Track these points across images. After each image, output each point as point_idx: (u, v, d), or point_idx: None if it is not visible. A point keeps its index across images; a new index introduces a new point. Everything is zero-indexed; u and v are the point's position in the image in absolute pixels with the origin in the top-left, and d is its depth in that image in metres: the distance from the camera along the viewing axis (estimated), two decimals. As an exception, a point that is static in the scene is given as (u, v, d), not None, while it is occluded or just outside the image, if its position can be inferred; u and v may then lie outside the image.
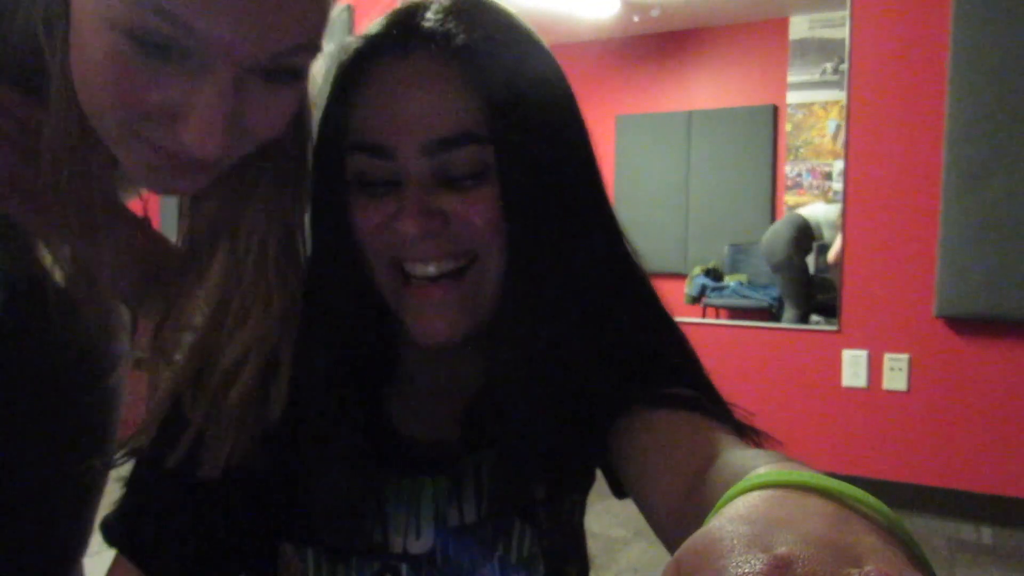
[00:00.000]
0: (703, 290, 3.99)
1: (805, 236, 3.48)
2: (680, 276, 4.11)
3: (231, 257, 0.55)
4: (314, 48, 0.50)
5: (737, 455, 0.43)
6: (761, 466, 0.35)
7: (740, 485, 0.29)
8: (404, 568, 0.59)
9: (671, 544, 0.47)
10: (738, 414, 0.56)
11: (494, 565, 0.59)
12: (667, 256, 4.30)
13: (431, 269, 0.53)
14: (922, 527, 2.89)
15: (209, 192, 0.55)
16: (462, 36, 0.51)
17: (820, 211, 3.58)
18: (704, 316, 3.93)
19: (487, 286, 0.54)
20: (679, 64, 4.35)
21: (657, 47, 4.34)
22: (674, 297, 4.36)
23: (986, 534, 2.83)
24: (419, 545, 0.59)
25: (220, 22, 0.43)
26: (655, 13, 4.03)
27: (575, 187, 0.57)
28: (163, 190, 0.53)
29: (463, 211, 0.52)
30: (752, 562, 0.22)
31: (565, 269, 0.55)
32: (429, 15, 0.53)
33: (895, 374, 3.05)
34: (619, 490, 0.59)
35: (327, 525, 0.58)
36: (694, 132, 4.30)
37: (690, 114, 4.30)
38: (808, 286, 3.50)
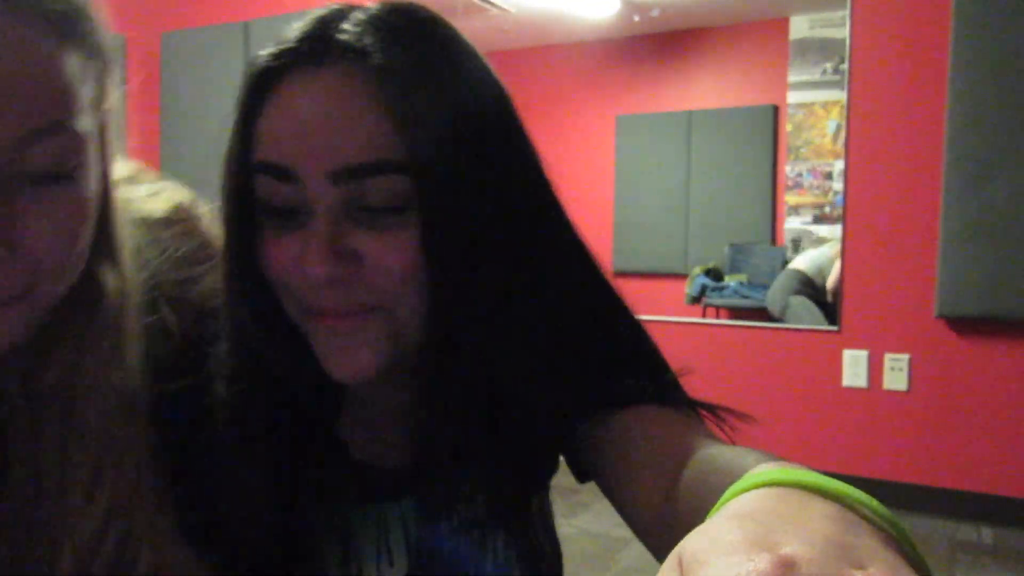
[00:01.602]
0: (703, 290, 3.99)
1: (805, 286, 3.53)
2: (680, 276, 4.11)
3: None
4: (62, 130, 0.43)
5: (724, 452, 0.42)
6: (754, 464, 0.35)
7: (740, 483, 0.29)
8: None
9: (653, 545, 0.46)
10: (707, 402, 0.55)
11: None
12: (667, 256, 4.29)
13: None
14: (922, 527, 2.89)
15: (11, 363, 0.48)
16: (380, 53, 0.46)
17: (812, 255, 3.61)
18: (704, 316, 3.93)
19: (406, 325, 0.49)
20: (679, 64, 4.34)
21: (657, 47, 4.34)
22: (674, 297, 4.38)
23: (986, 534, 2.83)
24: (394, 572, 0.57)
25: None
26: (655, 13, 4.03)
27: (513, 218, 0.50)
28: None
29: (379, 252, 0.46)
30: (756, 561, 0.22)
31: (499, 303, 0.50)
32: (347, 26, 0.47)
33: (895, 374, 3.05)
34: (581, 474, 0.57)
35: (301, 565, 0.55)
36: (694, 132, 4.30)
37: (690, 114, 4.30)
38: (823, 307, 3.50)
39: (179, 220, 0.59)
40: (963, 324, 2.93)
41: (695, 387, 0.58)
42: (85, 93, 0.44)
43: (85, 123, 0.44)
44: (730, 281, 4.00)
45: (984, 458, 2.92)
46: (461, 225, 0.47)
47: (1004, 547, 2.73)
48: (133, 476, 0.50)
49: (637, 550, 2.67)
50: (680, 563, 0.24)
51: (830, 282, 3.37)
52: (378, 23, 0.47)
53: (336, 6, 0.50)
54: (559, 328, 0.53)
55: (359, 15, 0.48)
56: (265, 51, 0.49)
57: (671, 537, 0.42)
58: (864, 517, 0.26)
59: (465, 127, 0.47)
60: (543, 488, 0.62)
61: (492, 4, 3.91)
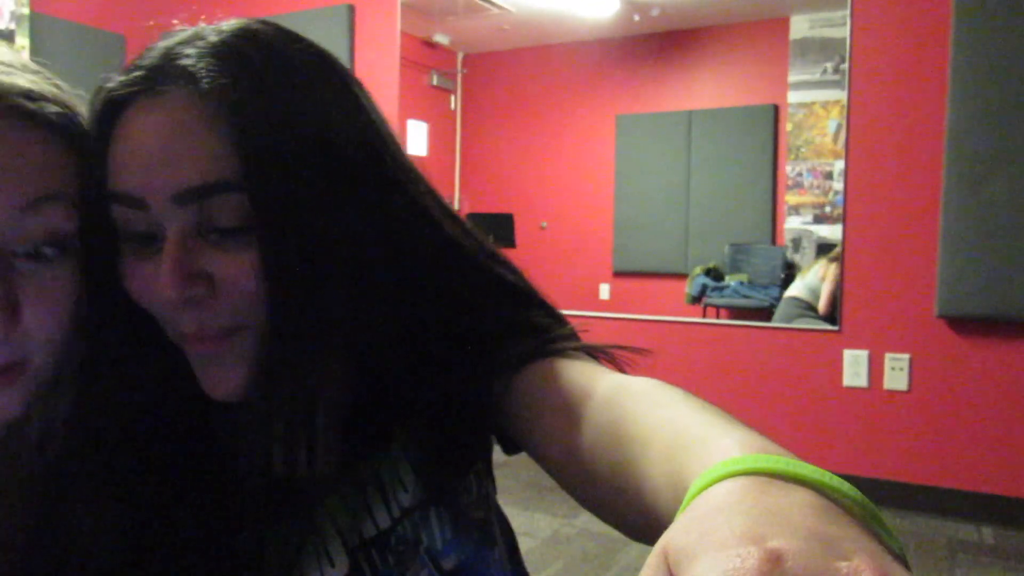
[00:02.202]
0: (704, 290, 3.99)
1: (806, 311, 3.58)
2: (680, 276, 4.11)
3: None
4: (55, 200, 0.48)
5: (655, 411, 0.42)
6: (708, 437, 0.35)
7: (716, 470, 0.29)
8: None
9: (568, 484, 0.48)
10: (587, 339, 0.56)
11: (423, 558, 0.57)
12: (667, 256, 4.29)
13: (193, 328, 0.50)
14: (923, 527, 2.89)
15: None
16: (217, 76, 0.47)
17: (806, 280, 3.64)
18: (705, 316, 3.93)
19: (263, 343, 0.50)
20: (679, 64, 4.35)
21: (657, 47, 4.34)
22: (674, 297, 4.37)
23: (987, 534, 2.83)
24: (336, 572, 0.56)
25: None
26: (655, 13, 4.03)
27: (362, 230, 0.51)
28: None
29: (227, 272, 0.47)
30: (746, 556, 0.22)
31: (353, 309, 0.51)
32: (189, 51, 0.48)
33: (896, 374, 3.05)
34: (505, 445, 0.58)
35: None
36: (694, 132, 4.30)
37: (690, 114, 4.30)
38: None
39: None
40: (963, 324, 2.93)
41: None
42: (71, 175, 0.49)
43: (74, 199, 0.49)
44: (730, 281, 4.00)
45: (984, 458, 2.92)
46: (298, 242, 0.48)
47: (1004, 547, 2.73)
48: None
49: (637, 550, 2.67)
50: (666, 558, 0.24)
51: (822, 306, 3.42)
52: (219, 47, 0.49)
53: (190, 30, 0.51)
54: (432, 312, 0.55)
55: (206, 40, 0.49)
56: (112, 80, 0.50)
57: (590, 481, 0.44)
58: (843, 506, 0.26)
59: (300, 146, 0.48)
60: (472, 467, 0.61)
61: (492, 4, 3.91)
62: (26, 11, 3.73)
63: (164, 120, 0.47)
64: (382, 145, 0.55)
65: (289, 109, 0.49)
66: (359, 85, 0.56)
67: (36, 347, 0.48)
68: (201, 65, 0.47)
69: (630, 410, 0.42)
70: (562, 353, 0.53)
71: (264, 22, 0.53)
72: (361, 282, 0.51)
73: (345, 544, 0.57)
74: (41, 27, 3.80)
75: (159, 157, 0.47)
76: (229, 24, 0.52)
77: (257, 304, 0.48)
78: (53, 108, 0.50)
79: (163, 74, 0.48)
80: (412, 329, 0.55)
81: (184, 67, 0.48)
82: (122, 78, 0.49)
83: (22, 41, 3.70)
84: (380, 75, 3.85)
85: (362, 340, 0.53)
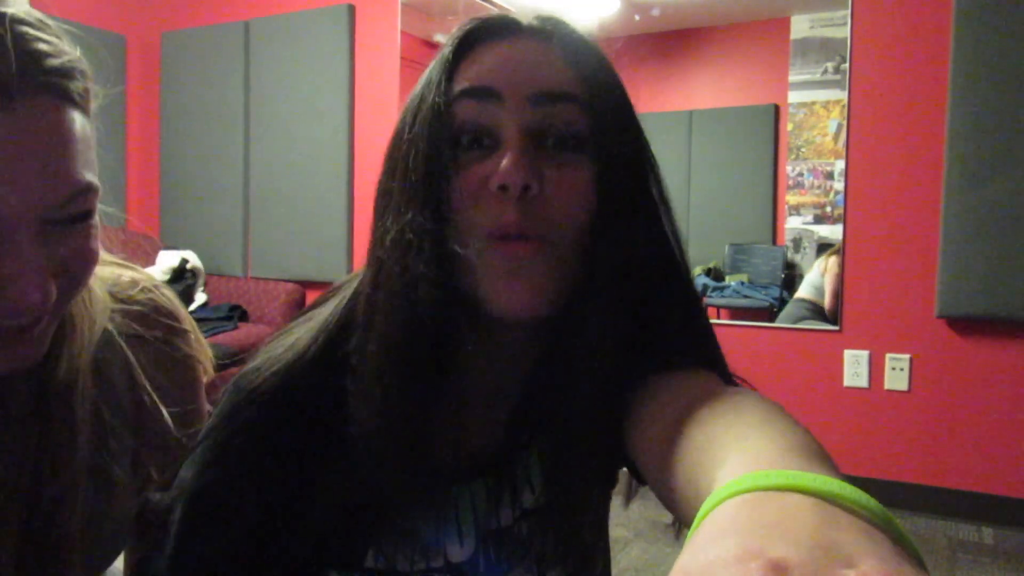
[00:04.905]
0: (704, 290, 3.99)
1: (813, 312, 3.59)
2: (681, 276, 4.10)
3: None
4: (95, 190, 0.55)
5: (720, 418, 0.42)
6: (741, 446, 0.35)
7: (721, 491, 0.29)
8: None
9: (657, 488, 0.49)
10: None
11: (530, 564, 0.60)
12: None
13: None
14: (923, 527, 2.89)
15: None
16: (556, 30, 0.57)
17: (810, 279, 3.65)
18: (705, 316, 3.92)
19: (562, 268, 0.53)
20: (679, 63, 4.34)
21: (657, 46, 4.34)
22: (675, 297, 4.36)
23: (987, 534, 2.82)
24: (461, 553, 0.59)
25: (19, 192, 0.48)
26: (655, 12, 4.02)
27: (644, 170, 0.59)
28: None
29: (557, 181, 0.53)
30: (749, 571, 0.22)
31: (639, 255, 0.56)
32: (529, 18, 0.59)
33: (896, 374, 3.05)
34: (639, 475, 0.59)
35: (391, 548, 0.57)
36: (695, 132, 4.30)
37: (691, 114, 4.30)
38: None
39: (140, 285, 0.73)
40: (964, 324, 2.93)
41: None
42: (93, 149, 0.55)
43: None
44: (731, 281, 4.00)
45: (984, 458, 2.91)
46: (624, 159, 0.55)
47: (1004, 547, 2.72)
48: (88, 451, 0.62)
49: (637, 550, 2.67)
50: None
51: (827, 301, 3.41)
52: (549, 19, 0.59)
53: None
54: (642, 303, 0.58)
55: (533, 16, 0.60)
56: (462, 26, 0.59)
57: (669, 493, 0.45)
58: (846, 509, 0.26)
59: (615, 86, 0.58)
60: (600, 484, 0.64)
61: (492, 4, 3.90)
62: (26, 11, 3.73)
63: (522, 48, 0.56)
64: (654, 164, 0.62)
65: (605, 61, 0.58)
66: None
67: (71, 284, 0.55)
68: (546, 24, 0.58)
69: (704, 419, 0.44)
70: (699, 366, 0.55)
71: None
72: (648, 217, 0.57)
73: (477, 528, 0.60)
74: (41, 27, 3.79)
75: (522, 65, 0.55)
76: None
77: (573, 222, 0.53)
78: (79, 85, 0.53)
79: (515, 26, 0.58)
80: (623, 333, 0.57)
81: (530, 25, 0.58)
82: (473, 23, 0.58)
83: (22, 41, 3.69)
84: (380, 75, 3.85)
85: (593, 322, 0.55)
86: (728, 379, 0.57)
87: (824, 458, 0.33)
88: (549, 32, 0.57)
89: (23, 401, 0.60)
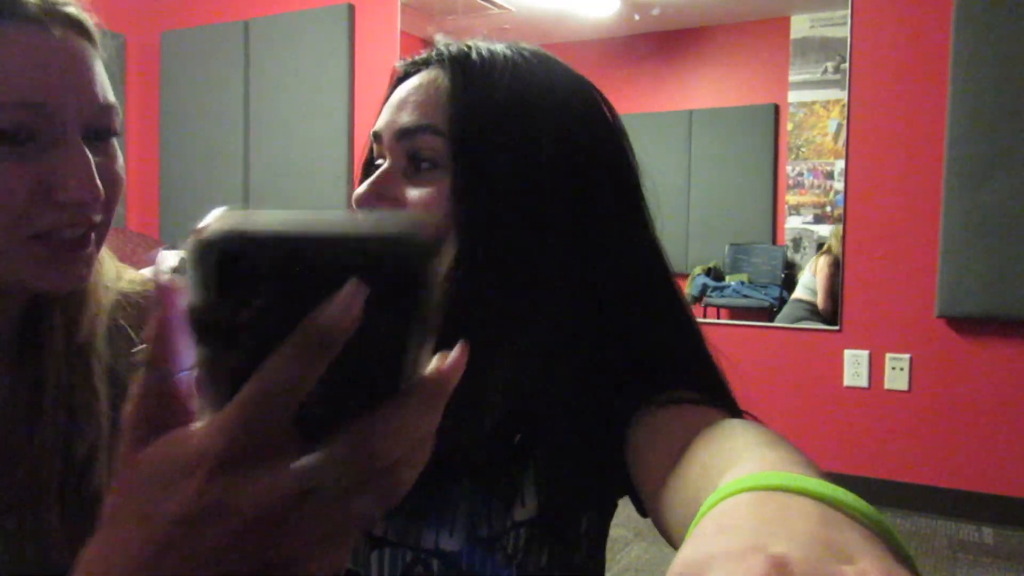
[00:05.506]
0: (704, 290, 3.99)
1: (811, 313, 3.62)
2: (681, 276, 4.11)
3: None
4: (118, 112, 0.61)
5: (723, 442, 0.44)
6: (742, 459, 0.36)
7: (722, 489, 0.29)
8: (436, 564, 0.60)
9: (654, 519, 0.50)
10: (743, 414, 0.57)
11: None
12: (667, 256, 4.28)
13: None
14: (923, 527, 2.89)
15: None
16: (449, 72, 0.62)
17: (805, 280, 3.67)
18: (705, 316, 3.93)
19: None
20: (679, 63, 4.34)
21: (657, 46, 4.34)
22: (675, 297, 4.34)
23: (987, 534, 2.82)
24: (451, 543, 0.60)
25: (66, 94, 0.55)
26: (655, 12, 4.02)
27: (544, 204, 0.60)
28: (55, 284, 0.60)
29: (416, 199, 0.58)
30: (750, 565, 0.22)
31: (525, 281, 0.58)
32: (447, 47, 0.64)
33: (896, 374, 3.05)
34: (642, 507, 0.60)
35: (392, 525, 0.59)
36: (694, 132, 4.30)
37: (690, 113, 4.30)
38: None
39: (140, 279, 0.78)
40: (964, 324, 2.93)
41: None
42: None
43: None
44: (731, 281, 4.00)
45: (984, 458, 2.92)
46: (484, 182, 0.58)
47: (1004, 547, 2.72)
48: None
49: (637, 550, 2.67)
50: None
51: (820, 300, 3.42)
52: (461, 51, 0.64)
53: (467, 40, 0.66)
54: (612, 337, 0.59)
55: (466, 45, 0.65)
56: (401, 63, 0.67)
57: (668, 517, 0.46)
58: (846, 514, 0.27)
59: (502, 117, 0.60)
60: (594, 507, 0.64)
61: (492, 4, 3.90)
62: (26, 11, 3.73)
63: (411, 85, 0.63)
64: (620, 159, 0.66)
65: (494, 96, 0.61)
66: (622, 130, 0.70)
67: (109, 198, 0.61)
68: (445, 56, 0.63)
69: (702, 444, 0.45)
70: (703, 402, 0.55)
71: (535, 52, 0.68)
72: (547, 270, 0.58)
73: (466, 528, 0.61)
74: (41, 27, 3.79)
75: (394, 107, 0.63)
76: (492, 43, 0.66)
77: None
78: (94, 29, 0.61)
79: (424, 62, 0.65)
80: (589, 342, 0.59)
81: (440, 53, 0.64)
82: (406, 61, 0.67)
83: (22, 41, 3.70)
84: (380, 75, 3.85)
85: (536, 332, 0.57)
86: (735, 411, 0.57)
87: (823, 476, 0.34)
88: (431, 62, 0.64)
89: (57, 365, 0.65)
